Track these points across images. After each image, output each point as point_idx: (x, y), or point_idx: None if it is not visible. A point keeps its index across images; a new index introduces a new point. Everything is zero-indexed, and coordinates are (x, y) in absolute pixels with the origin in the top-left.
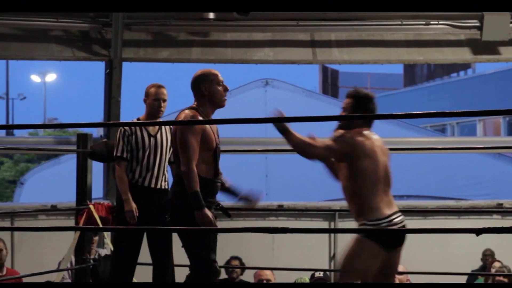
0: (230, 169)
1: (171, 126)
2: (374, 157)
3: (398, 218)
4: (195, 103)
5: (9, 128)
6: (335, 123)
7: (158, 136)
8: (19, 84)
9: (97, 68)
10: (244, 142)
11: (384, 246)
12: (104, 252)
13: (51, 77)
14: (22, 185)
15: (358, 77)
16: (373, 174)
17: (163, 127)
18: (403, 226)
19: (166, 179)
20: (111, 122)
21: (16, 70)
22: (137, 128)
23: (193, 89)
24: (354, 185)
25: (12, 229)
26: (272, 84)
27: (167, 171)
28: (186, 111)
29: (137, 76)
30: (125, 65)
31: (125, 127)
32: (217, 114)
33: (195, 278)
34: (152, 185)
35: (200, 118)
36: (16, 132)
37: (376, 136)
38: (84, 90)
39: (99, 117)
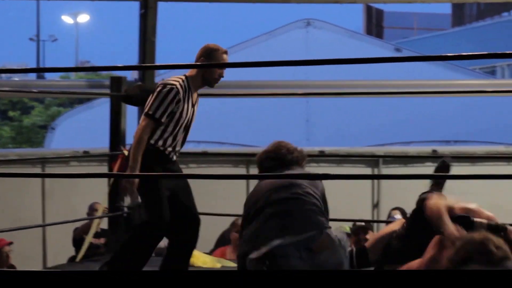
0: (269, 113)
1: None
2: None
3: None
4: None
5: (40, 71)
6: (379, 66)
7: (196, 107)
8: (50, 25)
9: (132, 8)
10: (284, 85)
11: None
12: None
13: (83, 18)
14: (53, 131)
15: (404, 17)
16: None
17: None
18: None
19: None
20: (145, 65)
21: (47, 10)
22: (184, 94)
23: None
24: None
25: (43, 176)
26: (314, 25)
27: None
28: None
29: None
30: (161, 4)
31: (178, 89)
32: (256, 56)
33: None
34: (174, 158)
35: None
36: (47, 75)
37: None
38: (118, 31)
39: (134, 60)
